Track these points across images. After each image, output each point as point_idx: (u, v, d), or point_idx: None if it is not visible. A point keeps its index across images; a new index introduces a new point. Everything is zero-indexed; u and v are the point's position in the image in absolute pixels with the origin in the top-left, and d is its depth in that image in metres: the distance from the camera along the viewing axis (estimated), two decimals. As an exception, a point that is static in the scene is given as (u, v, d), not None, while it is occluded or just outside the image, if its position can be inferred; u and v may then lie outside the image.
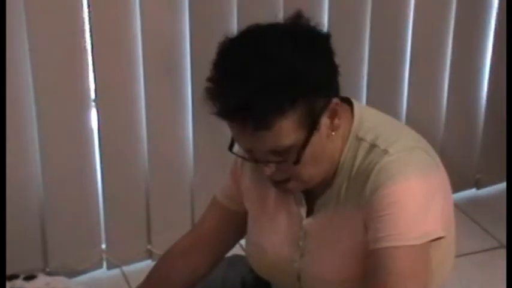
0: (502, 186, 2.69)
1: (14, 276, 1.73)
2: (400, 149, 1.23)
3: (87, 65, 2.09)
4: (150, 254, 2.33)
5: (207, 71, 1.20)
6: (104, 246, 2.28)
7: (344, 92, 1.26)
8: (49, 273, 2.09)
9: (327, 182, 1.28)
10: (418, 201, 1.21)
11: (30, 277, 1.73)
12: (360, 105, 1.31)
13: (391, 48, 2.47)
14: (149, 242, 2.33)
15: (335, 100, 1.22)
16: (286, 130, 1.17)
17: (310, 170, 1.23)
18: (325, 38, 1.22)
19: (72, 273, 2.12)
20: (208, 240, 1.47)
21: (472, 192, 2.74)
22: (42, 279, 1.74)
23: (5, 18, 1.84)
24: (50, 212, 2.15)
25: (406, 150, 1.24)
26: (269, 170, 1.22)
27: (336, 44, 1.22)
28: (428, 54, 2.53)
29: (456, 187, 1.38)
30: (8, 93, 1.97)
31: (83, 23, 2.03)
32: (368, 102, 2.44)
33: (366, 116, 1.29)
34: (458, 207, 2.47)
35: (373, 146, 1.24)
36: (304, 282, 1.36)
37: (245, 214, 1.43)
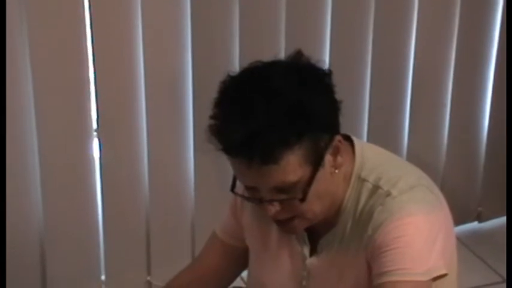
0: (504, 219, 2.68)
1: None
2: (403, 189, 1.23)
3: (90, 94, 2.10)
4: (149, 286, 2.31)
5: (209, 104, 1.20)
6: (103, 277, 2.27)
7: (345, 127, 1.27)
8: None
9: (330, 222, 1.28)
10: (423, 237, 1.20)
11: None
12: (361, 143, 1.31)
13: (392, 83, 2.49)
14: (149, 273, 2.31)
15: (337, 137, 1.22)
16: (293, 165, 1.17)
17: (315, 208, 1.23)
18: (327, 74, 1.22)
19: (70, 305, 2.10)
20: (207, 276, 1.46)
21: (473, 225, 2.73)
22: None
23: (5, 19, 1.83)
24: (49, 243, 2.14)
25: (408, 189, 1.23)
26: (273, 208, 1.21)
27: (337, 80, 1.22)
28: (429, 87, 2.54)
29: (458, 220, 1.38)
30: (9, 122, 1.98)
31: (86, 52, 2.04)
32: (369, 136, 2.45)
33: (367, 155, 1.29)
34: (460, 240, 2.46)
35: (376, 187, 1.24)
36: (307, 322, 1.35)
37: (245, 249, 1.43)
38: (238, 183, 1.27)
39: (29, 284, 2.15)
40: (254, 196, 1.24)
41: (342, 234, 1.27)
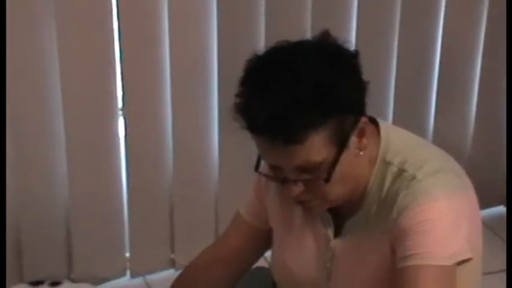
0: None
1: (40, 282, 1.74)
2: (428, 172, 1.22)
3: (116, 73, 2.11)
4: (173, 264, 2.34)
5: (234, 82, 1.20)
6: (127, 254, 2.30)
7: (371, 109, 1.26)
8: (73, 280, 2.10)
9: (355, 204, 1.27)
10: (447, 221, 1.19)
11: (55, 283, 1.74)
12: (386, 125, 1.30)
13: (419, 65, 2.46)
14: (172, 251, 2.33)
15: (363, 119, 1.22)
16: (318, 145, 1.16)
17: (338, 190, 1.23)
18: (354, 55, 1.21)
19: (96, 281, 2.13)
20: (230, 256, 1.46)
21: (499, 209, 2.70)
22: (67, 285, 1.74)
23: (5, 18, 1.85)
24: (75, 220, 2.17)
25: (434, 173, 1.22)
26: (297, 189, 1.21)
27: (364, 61, 1.21)
28: (456, 70, 2.51)
29: (483, 204, 1.36)
30: (36, 101, 2.00)
31: (112, 32, 2.05)
32: (395, 119, 2.43)
33: (392, 138, 1.28)
34: (485, 223, 2.43)
35: (401, 170, 1.23)
36: (330, 304, 1.35)
37: (269, 230, 1.43)
38: (262, 162, 1.27)
39: (55, 260, 2.18)
40: (278, 176, 1.24)
41: (366, 217, 1.26)
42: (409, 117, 2.44)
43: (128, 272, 2.31)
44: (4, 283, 1.21)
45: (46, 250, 2.15)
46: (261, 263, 1.57)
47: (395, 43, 2.38)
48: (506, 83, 2.39)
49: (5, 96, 1.89)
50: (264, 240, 1.44)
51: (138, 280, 2.30)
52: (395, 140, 1.28)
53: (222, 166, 2.29)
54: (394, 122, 2.38)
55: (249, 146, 1.25)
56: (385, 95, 2.43)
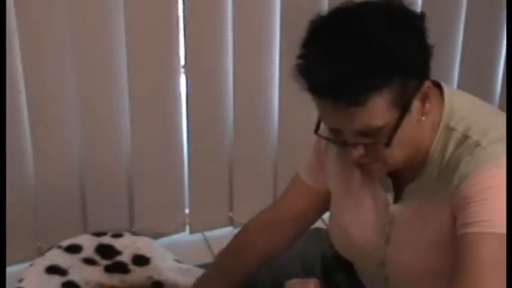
0: None
1: (102, 233, 1.80)
2: (493, 139, 1.19)
3: (178, 32, 2.12)
4: (231, 221, 2.37)
5: (296, 43, 1.19)
6: (187, 211, 2.34)
7: (435, 73, 1.23)
8: (134, 234, 2.16)
9: (416, 170, 1.26)
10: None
11: (117, 235, 1.80)
12: (451, 90, 1.27)
13: (486, 29, 2.38)
14: (231, 209, 2.36)
15: (427, 83, 1.19)
16: (380, 109, 1.15)
17: (398, 154, 1.21)
18: (420, 17, 1.18)
19: (155, 235, 2.18)
20: (288, 217, 1.47)
21: None
22: (128, 238, 1.80)
23: (5, 19, 1.86)
24: (137, 176, 2.22)
25: (499, 140, 1.19)
26: (357, 152, 1.20)
27: (430, 24, 1.18)
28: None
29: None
30: (101, 59, 2.03)
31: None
32: (460, 85, 2.37)
33: (457, 103, 1.25)
34: None
35: (465, 137, 1.21)
36: (388, 268, 1.35)
37: (327, 192, 1.43)
38: (322, 125, 1.26)
39: (117, 214, 2.24)
40: (338, 139, 1.23)
41: (427, 183, 1.25)
42: (475, 82, 2.37)
43: (187, 228, 2.35)
44: (4, 283, 1.25)
45: (109, 204, 2.21)
46: (319, 224, 1.58)
47: (463, 5, 2.31)
48: (507, 83, 2.31)
49: (5, 95, 1.91)
50: (322, 202, 1.45)
51: (197, 236, 2.35)
52: (459, 105, 1.25)
53: (281, 127, 2.29)
54: (460, 88, 2.33)
55: (309, 107, 1.24)
56: (450, 60, 2.37)
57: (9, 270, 2.09)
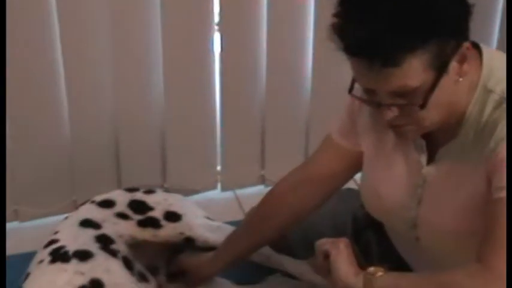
0: None
1: (135, 189, 1.82)
2: None
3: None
4: (262, 180, 2.38)
5: (331, 2, 1.17)
6: (219, 168, 2.35)
7: (474, 34, 1.20)
8: (166, 190, 2.18)
9: (451, 131, 1.24)
10: None
11: (149, 191, 1.82)
12: (490, 51, 1.25)
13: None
14: (263, 168, 2.37)
15: (466, 44, 1.17)
16: (415, 69, 1.13)
17: (433, 116, 1.20)
18: None
19: (187, 192, 2.20)
20: (319, 177, 1.47)
21: None
22: (160, 194, 1.81)
23: (5, 18, 1.85)
24: (170, 133, 2.23)
25: None
26: (391, 113, 1.19)
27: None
28: None
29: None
30: (135, 15, 2.03)
31: None
32: (500, 46, 2.32)
33: (496, 65, 1.22)
34: None
35: (503, 99, 1.19)
36: (419, 230, 1.35)
37: (359, 153, 1.42)
38: (356, 85, 1.25)
39: (150, 170, 2.26)
40: (372, 99, 1.22)
41: (462, 145, 1.23)
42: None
43: (219, 186, 2.37)
44: (4, 282, 1.27)
45: (142, 160, 2.23)
46: (350, 185, 1.57)
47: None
48: (506, 82, 2.23)
49: (5, 92, 1.90)
50: (353, 163, 1.44)
51: (228, 194, 2.36)
52: (498, 66, 1.22)
53: (314, 86, 2.27)
54: (499, 48, 2.28)
55: (342, 67, 1.23)
56: (490, 20, 2.31)
57: (45, 221, 2.14)
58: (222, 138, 2.30)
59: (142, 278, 1.61)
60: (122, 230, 1.67)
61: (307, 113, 2.32)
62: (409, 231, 1.37)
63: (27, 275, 1.53)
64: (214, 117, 2.27)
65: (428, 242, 1.36)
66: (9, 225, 2.15)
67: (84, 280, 1.48)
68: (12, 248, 2.04)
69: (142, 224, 1.70)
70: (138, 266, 1.62)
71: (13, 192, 2.13)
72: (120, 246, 1.62)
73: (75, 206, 2.11)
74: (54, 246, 1.58)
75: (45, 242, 1.63)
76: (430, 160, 1.30)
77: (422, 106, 1.17)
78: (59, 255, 1.54)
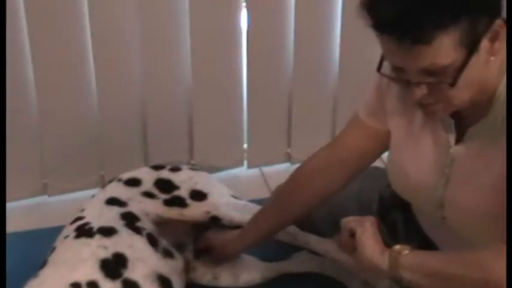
0: None
1: (161, 167, 1.83)
2: None
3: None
4: (289, 157, 2.37)
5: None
6: (245, 145, 2.35)
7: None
8: (193, 167, 2.19)
9: (481, 111, 1.23)
10: None
11: (175, 169, 1.82)
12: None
13: None
14: (289, 145, 2.37)
15: (498, 21, 1.14)
16: (446, 47, 1.12)
17: (463, 95, 1.18)
18: None
19: (213, 169, 2.21)
20: (346, 156, 1.46)
21: None
22: (186, 172, 1.82)
23: (5, 19, 1.85)
24: (197, 110, 2.23)
25: None
26: (420, 91, 1.18)
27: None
28: None
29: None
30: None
31: None
32: None
33: None
34: None
35: None
36: (446, 209, 1.34)
37: (387, 133, 1.41)
38: (385, 63, 1.23)
39: (176, 148, 2.27)
40: (401, 77, 1.21)
41: (492, 125, 1.22)
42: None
43: (245, 163, 2.37)
44: (4, 283, 1.28)
45: (169, 136, 2.24)
46: (377, 164, 1.56)
47: None
48: (507, 82, 2.18)
49: (5, 94, 1.90)
50: (381, 141, 1.43)
51: (255, 171, 2.36)
52: None
53: (342, 64, 2.25)
54: None
55: (370, 45, 1.21)
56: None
57: (73, 196, 2.17)
58: (248, 115, 2.29)
59: (167, 254, 1.62)
60: (148, 208, 1.68)
61: (335, 90, 2.31)
62: (435, 210, 1.36)
63: (53, 249, 1.56)
64: (241, 95, 2.26)
65: (455, 222, 1.35)
66: (38, 199, 2.18)
67: (107, 254, 1.50)
68: (40, 221, 2.08)
69: (168, 203, 1.71)
70: (164, 243, 1.64)
71: (42, 166, 2.16)
72: (145, 223, 1.63)
73: (103, 182, 2.14)
74: (79, 222, 1.61)
75: (72, 218, 1.65)
76: (459, 140, 1.28)
77: (452, 84, 1.15)
78: (84, 231, 1.56)
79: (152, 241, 1.60)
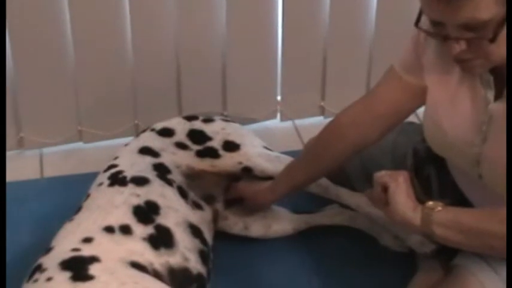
0: None
1: (194, 117, 1.84)
2: None
3: None
4: (322, 111, 2.36)
5: None
6: (279, 98, 2.34)
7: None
8: (225, 118, 2.19)
9: None
10: None
11: (208, 120, 1.83)
12: None
13: None
14: (323, 99, 2.35)
15: None
16: (487, 2, 1.09)
17: (503, 51, 1.15)
18: None
19: (246, 121, 2.20)
20: (381, 110, 1.45)
21: None
22: (218, 123, 1.82)
23: (4, 19, 1.82)
24: (231, 60, 2.22)
25: None
26: (459, 47, 1.16)
27: None
28: None
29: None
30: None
31: None
32: None
33: None
34: None
35: None
36: (483, 167, 1.32)
37: (422, 87, 1.39)
38: (423, 18, 1.21)
39: (210, 99, 2.27)
40: (439, 32, 1.18)
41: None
42: None
43: (278, 115, 2.37)
44: (4, 282, 1.29)
45: (203, 87, 2.24)
46: (412, 119, 1.55)
47: None
48: (506, 81, 2.10)
49: (5, 94, 1.89)
50: (416, 96, 1.41)
51: (288, 124, 2.36)
52: None
53: (378, 16, 2.21)
54: None
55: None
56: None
57: (108, 143, 2.20)
58: (282, 68, 2.28)
59: (196, 206, 1.64)
60: (180, 160, 1.69)
61: (370, 43, 2.27)
62: (472, 168, 1.35)
63: (88, 195, 1.59)
64: (275, 47, 2.24)
65: (491, 180, 1.33)
66: (74, 145, 2.22)
67: (139, 201, 1.52)
68: (75, 168, 2.12)
69: (200, 154, 1.72)
70: (193, 196, 1.65)
71: (77, 114, 2.18)
72: (176, 176, 1.65)
73: (137, 131, 2.16)
74: (113, 170, 1.63)
75: (106, 166, 1.67)
76: (497, 96, 1.26)
77: (492, 40, 1.13)
78: (118, 180, 1.59)
79: (182, 193, 1.62)
